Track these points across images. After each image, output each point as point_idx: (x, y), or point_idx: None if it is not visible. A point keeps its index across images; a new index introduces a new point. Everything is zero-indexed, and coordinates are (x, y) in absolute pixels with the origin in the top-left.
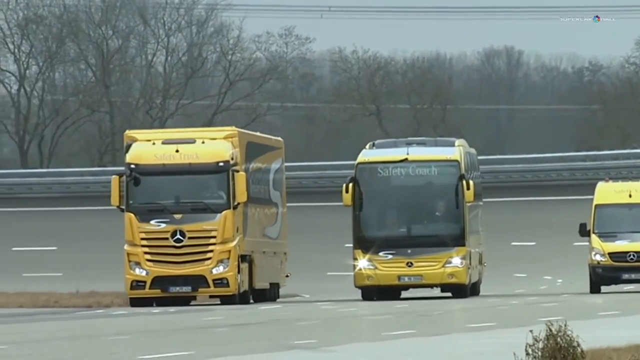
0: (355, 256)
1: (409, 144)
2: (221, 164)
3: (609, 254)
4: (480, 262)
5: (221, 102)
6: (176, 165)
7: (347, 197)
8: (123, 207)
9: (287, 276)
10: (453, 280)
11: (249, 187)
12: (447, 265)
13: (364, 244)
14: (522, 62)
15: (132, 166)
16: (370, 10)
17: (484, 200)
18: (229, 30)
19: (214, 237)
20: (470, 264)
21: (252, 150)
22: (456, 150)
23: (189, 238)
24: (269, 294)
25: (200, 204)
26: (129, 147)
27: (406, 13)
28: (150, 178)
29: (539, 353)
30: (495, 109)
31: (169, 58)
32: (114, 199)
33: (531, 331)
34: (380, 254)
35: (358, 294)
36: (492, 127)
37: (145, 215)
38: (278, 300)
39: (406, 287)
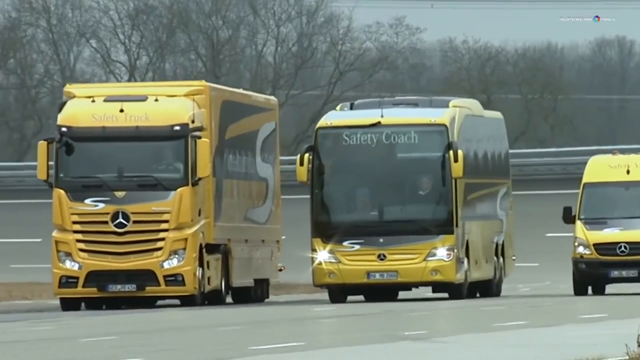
0: (313, 247)
1: (395, 104)
2: (177, 127)
3: (594, 245)
4: (501, 255)
5: (331, 93)
6: (119, 129)
7: (302, 172)
8: (52, 181)
9: (280, 270)
10: (437, 277)
11: (225, 159)
12: (429, 258)
13: (324, 231)
14: (635, 53)
15: (63, 129)
16: (481, 0)
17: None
18: (339, 20)
19: (166, 221)
20: (466, 256)
21: (231, 112)
22: (445, 112)
23: (134, 222)
24: (255, 293)
25: (149, 179)
26: (63, 105)
27: (517, 2)
28: (85, 145)
29: None
30: (607, 99)
31: (278, 48)
32: (41, 171)
33: None
34: (345, 243)
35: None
36: (604, 118)
37: (78, 192)
38: (267, 300)
39: (377, 287)
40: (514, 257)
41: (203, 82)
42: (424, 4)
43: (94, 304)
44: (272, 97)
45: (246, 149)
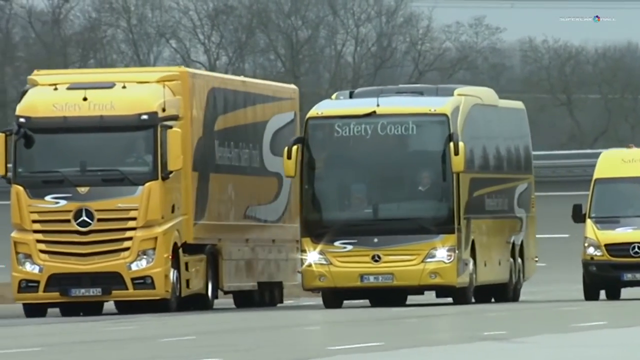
0: (302, 247)
1: (399, 92)
2: (145, 117)
3: (605, 246)
4: (519, 256)
5: None
6: (82, 119)
7: (290, 166)
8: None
9: (299, 272)
10: (437, 280)
11: (213, 152)
12: (428, 259)
13: (314, 230)
14: None
15: (22, 120)
16: None
17: None
18: (418, 20)
19: (133, 218)
20: (471, 257)
21: (223, 101)
22: (448, 101)
23: (99, 220)
24: (262, 297)
25: (115, 173)
26: (24, 94)
27: (598, 2)
28: (44, 137)
29: None
30: None
31: (358, 48)
32: None
33: None
34: (337, 244)
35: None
36: None
37: (38, 188)
38: (280, 305)
39: (371, 291)
40: (536, 259)
41: (181, 68)
42: (504, 3)
43: (69, 310)
44: (292, 86)
45: (248, 141)
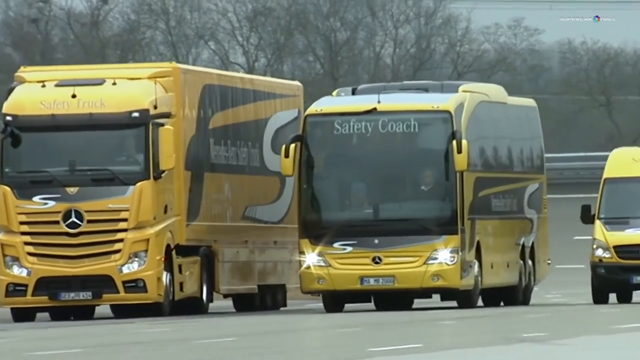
0: (301, 248)
1: (403, 89)
2: (135, 114)
3: (614, 247)
4: (530, 258)
5: None
6: (70, 117)
7: (287, 164)
8: None
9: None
10: (439, 283)
11: (207, 150)
12: (430, 261)
13: (313, 231)
14: None
15: (8, 118)
16: (599, 1)
17: None
18: (457, 22)
19: (124, 219)
20: (476, 259)
21: (218, 98)
22: (451, 98)
23: (89, 222)
24: (262, 300)
25: (105, 173)
26: (11, 91)
27: (637, 3)
28: (32, 135)
29: None
30: None
31: (397, 50)
32: None
33: None
34: (336, 245)
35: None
36: None
37: (25, 189)
38: (283, 308)
39: (371, 294)
40: (549, 261)
41: (172, 64)
42: (543, 5)
43: (59, 314)
44: (296, 83)
45: (247, 139)
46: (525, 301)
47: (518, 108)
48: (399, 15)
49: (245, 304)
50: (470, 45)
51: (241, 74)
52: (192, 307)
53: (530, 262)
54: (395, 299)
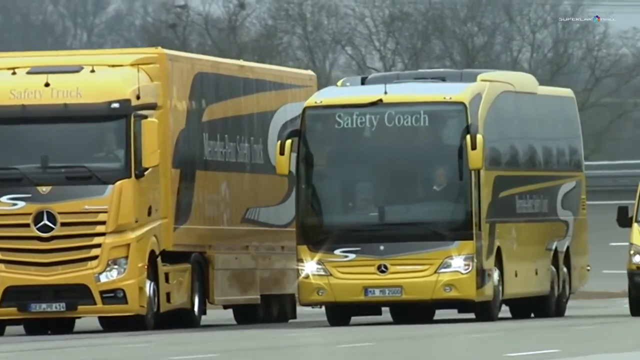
0: (299, 256)
1: (418, 77)
2: (115, 105)
3: None
4: (565, 265)
5: (587, 99)
6: (43, 108)
7: (283, 162)
8: None
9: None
10: (452, 294)
11: (201, 146)
12: (442, 270)
13: (312, 236)
14: None
15: None
16: None
17: None
18: (595, 26)
19: (102, 222)
20: (497, 267)
21: (214, 87)
22: (467, 88)
23: (62, 225)
24: (267, 311)
25: (81, 170)
26: None
27: None
28: (1, 128)
29: None
30: None
31: (534, 54)
32: None
33: None
34: (337, 252)
35: None
36: None
37: None
38: (292, 320)
39: (375, 306)
40: (588, 267)
41: (158, 49)
42: None
43: (33, 328)
44: (308, 72)
45: (248, 134)
46: (559, 312)
47: (550, 99)
48: (536, 19)
49: (247, 315)
50: (607, 49)
51: (241, 62)
52: (182, 319)
53: (564, 269)
54: (412, 311)
